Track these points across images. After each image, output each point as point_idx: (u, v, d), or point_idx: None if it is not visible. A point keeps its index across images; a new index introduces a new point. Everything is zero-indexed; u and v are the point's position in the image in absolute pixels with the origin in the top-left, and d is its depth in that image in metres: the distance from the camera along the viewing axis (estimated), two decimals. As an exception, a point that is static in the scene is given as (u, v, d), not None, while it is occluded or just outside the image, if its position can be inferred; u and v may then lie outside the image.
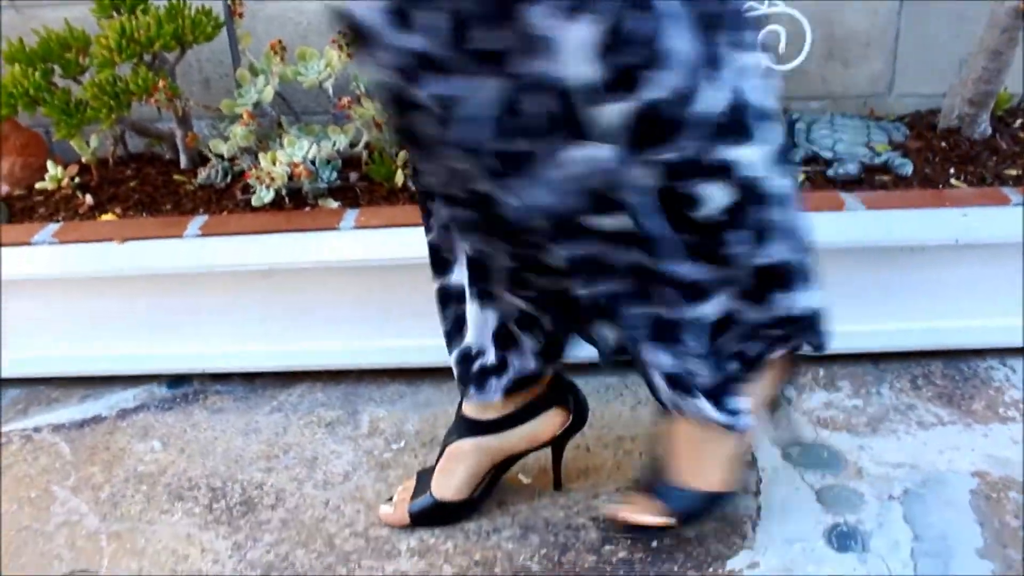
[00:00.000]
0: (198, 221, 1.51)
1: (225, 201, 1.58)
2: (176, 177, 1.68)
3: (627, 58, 0.80)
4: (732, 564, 1.17)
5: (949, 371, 1.48)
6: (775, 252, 0.98)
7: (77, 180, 1.70)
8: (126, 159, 1.81)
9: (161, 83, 1.56)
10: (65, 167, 1.70)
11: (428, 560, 1.19)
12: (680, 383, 1.04)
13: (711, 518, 1.19)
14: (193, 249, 1.45)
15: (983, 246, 1.41)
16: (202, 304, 1.49)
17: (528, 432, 1.20)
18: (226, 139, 1.61)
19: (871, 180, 1.54)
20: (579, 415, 1.21)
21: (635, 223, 0.89)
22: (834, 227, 1.42)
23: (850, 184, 1.54)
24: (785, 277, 1.02)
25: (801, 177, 1.56)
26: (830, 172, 1.55)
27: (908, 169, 1.55)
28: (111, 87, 1.56)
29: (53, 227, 1.55)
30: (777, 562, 1.16)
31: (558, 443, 1.23)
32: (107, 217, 1.58)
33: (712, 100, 0.85)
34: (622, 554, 1.19)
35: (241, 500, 1.31)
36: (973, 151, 1.60)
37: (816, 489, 1.27)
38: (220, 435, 1.44)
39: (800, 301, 1.05)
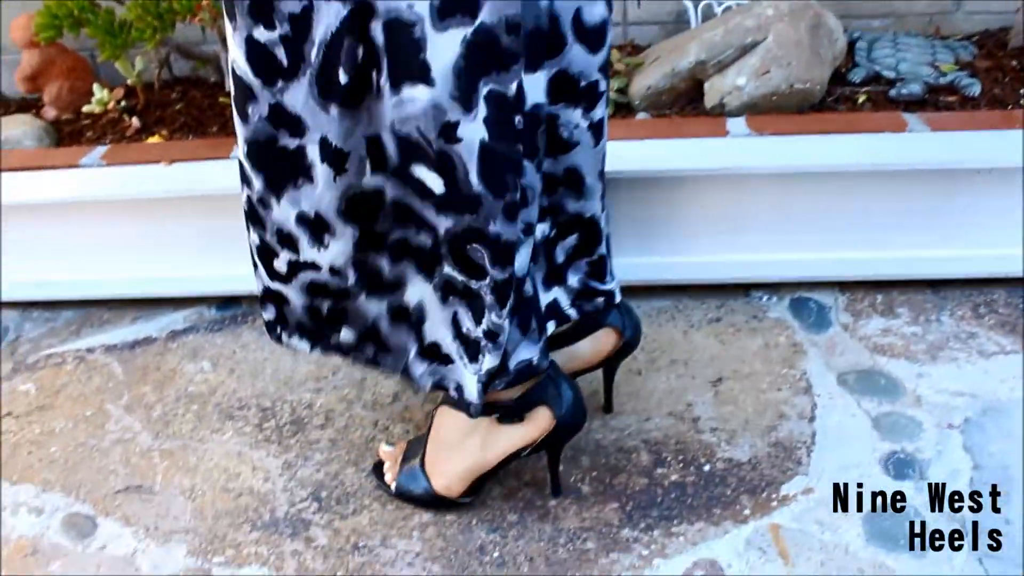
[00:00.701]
0: (245, 142, 1.50)
1: (271, 123, 1.56)
2: (222, 99, 1.67)
3: None
4: (786, 489, 1.15)
5: (1013, 299, 1.43)
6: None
7: (123, 103, 1.69)
8: (171, 82, 1.79)
9: (204, 2, 1.54)
10: (111, 90, 1.70)
11: (478, 481, 1.19)
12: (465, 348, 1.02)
13: (415, 507, 1.17)
14: (240, 170, 1.44)
15: (1054, 169, 1.35)
16: (250, 226, 1.48)
17: (579, 352, 1.18)
18: (271, 60, 1.59)
19: (936, 101, 1.49)
20: (632, 337, 1.19)
21: (455, 179, 0.88)
22: (896, 149, 1.37)
23: (914, 105, 1.48)
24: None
25: (862, 98, 1.50)
26: (892, 92, 1.50)
27: (976, 89, 1.48)
28: (155, 7, 1.54)
29: (101, 150, 1.54)
30: (832, 489, 1.14)
31: (610, 365, 1.22)
32: (154, 139, 1.57)
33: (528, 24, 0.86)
34: (674, 477, 1.18)
35: (291, 420, 1.32)
36: (1046, 71, 1.53)
37: (873, 416, 1.24)
38: (269, 356, 1.44)
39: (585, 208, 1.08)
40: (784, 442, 1.21)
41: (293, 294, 1.04)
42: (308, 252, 0.99)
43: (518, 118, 0.86)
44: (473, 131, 0.86)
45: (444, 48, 0.82)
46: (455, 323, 1.00)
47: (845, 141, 1.39)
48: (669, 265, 1.47)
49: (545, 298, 1.11)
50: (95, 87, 1.69)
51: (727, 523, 1.11)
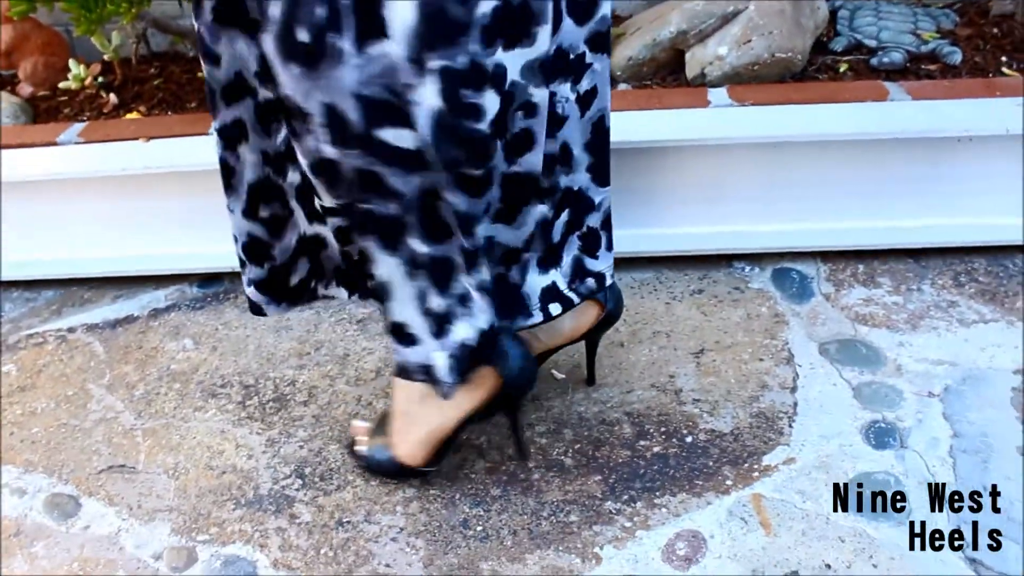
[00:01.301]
0: (223, 118, 1.48)
1: (250, 98, 1.55)
2: (200, 74, 1.65)
3: None
4: (768, 460, 1.16)
5: (993, 268, 1.44)
6: (526, 162, 0.97)
7: (100, 79, 1.68)
8: (149, 57, 1.77)
9: (181, -25, 1.52)
10: (88, 66, 1.68)
11: (462, 454, 1.19)
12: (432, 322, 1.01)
13: (397, 483, 1.17)
14: (219, 146, 1.43)
15: (1035, 137, 1.35)
16: (230, 203, 1.47)
17: (561, 326, 1.18)
18: (249, 34, 1.57)
19: (917, 69, 1.48)
20: (614, 309, 1.19)
21: (422, 141, 0.88)
22: (878, 118, 1.37)
23: (895, 73, 1.48)
24: (533, 187, 1.00)
25: (843, 67, 1.50)
26: (874, 61, 1.50)
27: (957, 57, 1.48)
28: (130, -20, 1.51)
29: (78, 127, 1.53)
30: (813, 458, 1.15)
31: (592, 337, 1.22)
32: (132, 116, 1.56)
33: (486, 3, 0.85)
34: (656, 449, 1.18)
35: (274, 397, 1.32)
36: (1027, 38, 1.53)
37: (854, 386, 1.25)
38: (252, 333, 1.44)
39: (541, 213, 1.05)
40: (766, 412, 1.22)
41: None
42: None
43: (475, 94, 0.86)
44: (428, 97, 0.86)
45: (399, 9, 0.82)
46: (422, 298, 0.99)
47: (826, 110, 1.38)
48: (651, 236, 1.46)
49: (542, 281, 1.11)
50: (71, 63, 1.67)
51: (709, 494, 1.12)
